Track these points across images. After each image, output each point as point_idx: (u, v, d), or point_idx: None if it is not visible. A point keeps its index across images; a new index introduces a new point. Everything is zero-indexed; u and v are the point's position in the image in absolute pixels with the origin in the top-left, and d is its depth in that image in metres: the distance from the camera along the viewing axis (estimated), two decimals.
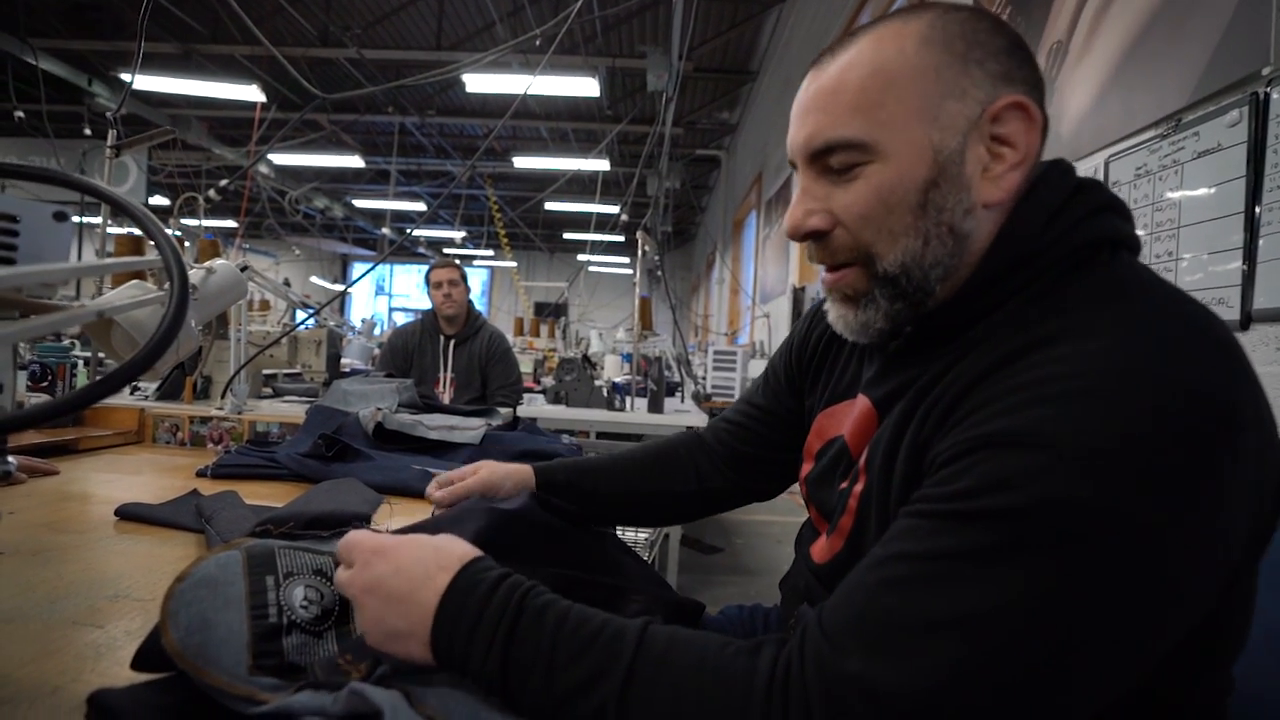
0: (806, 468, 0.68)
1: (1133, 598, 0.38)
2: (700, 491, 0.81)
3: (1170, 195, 1.42)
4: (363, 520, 0.79)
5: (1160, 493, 0.38)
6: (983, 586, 0.38)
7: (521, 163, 8.25)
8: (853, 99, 0.50)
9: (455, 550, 0.48)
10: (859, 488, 0.55)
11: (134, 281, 0.69)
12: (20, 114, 4.36)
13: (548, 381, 3.53)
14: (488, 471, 0.82)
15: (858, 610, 0.41)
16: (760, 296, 6.76)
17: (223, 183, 2.19)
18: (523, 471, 0.82)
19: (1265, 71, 1.21)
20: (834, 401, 0.66)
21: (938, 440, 0.46)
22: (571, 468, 0.81)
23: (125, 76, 6.13)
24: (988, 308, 0.50)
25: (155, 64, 6.30)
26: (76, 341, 2.78)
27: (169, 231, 0.49)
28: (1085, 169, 1.72)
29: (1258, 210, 1.20)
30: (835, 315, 0.56)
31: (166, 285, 0.49)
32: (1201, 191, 1.34)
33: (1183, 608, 0.40)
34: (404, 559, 0.47)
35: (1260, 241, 1.20)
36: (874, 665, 0.38)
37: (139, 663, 0.45)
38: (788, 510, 3.87)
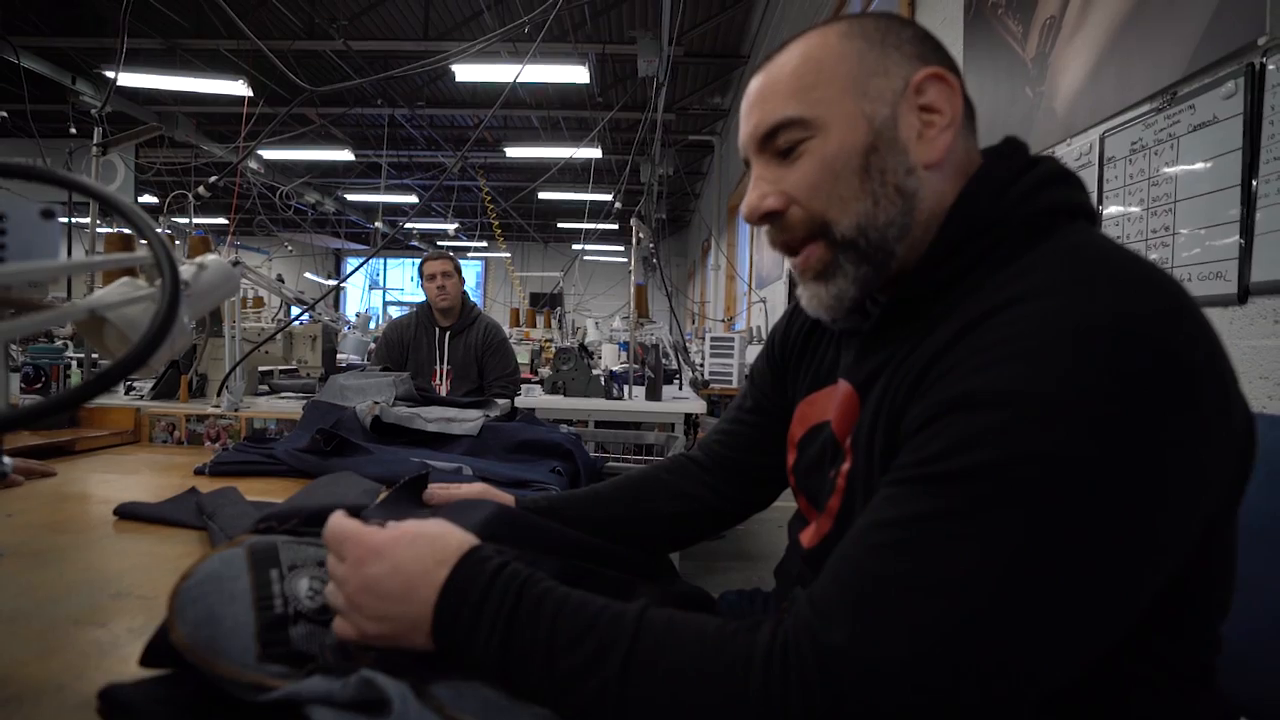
0: (791, 458, 0.69)
1: (1103, 546, 0.39)
2: (690, 511, 0.79)
3: (1166, 170, 1.41)
4: (360, 511, 0.78)
5: (1120, 441, 0.39)
6: (960, 547, 0.39)
7: (513, 152, 8.19)
8: (788, 86, 0.55)
9: (451, 542, 0.48)
10: (846, 466, 0.57)
11: (125, 279, 0.68)
12: (3, 114, 4.31)
13: (545, 372, 3.52)
14: (481, 488, 0.83)
15: (842, 582, 0.42)
16: (756, 282, 6.75)
17: (212, 179, 2.16)
18: (507, 499, 0.82)
19: (1261, 41, 1.20)
20: (815, 389, 0.67)
21: (909, 409, 0.47)
22: (554, 498, 0.81)
23: (110, 74, 6.06)
24: (951, 278, 0.51)
25: (139, 60, 6.21)
26: (69, 343, 2.76)
27: (159, 229, 0.48)
28: (1080, 145, 1.72)
29: (1254, 183, 1.20)
30: (809, 296, 0.58)
31: (158, 281, 0.48)
32: (1198, 165, 1.33)
33: (1155, 555, 0.40)
34: (400, 556, 0.47)
35: (1257, 214, 1.19)
36: (861, 635, 0.39)
37: (147, 659, 0.45)
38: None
